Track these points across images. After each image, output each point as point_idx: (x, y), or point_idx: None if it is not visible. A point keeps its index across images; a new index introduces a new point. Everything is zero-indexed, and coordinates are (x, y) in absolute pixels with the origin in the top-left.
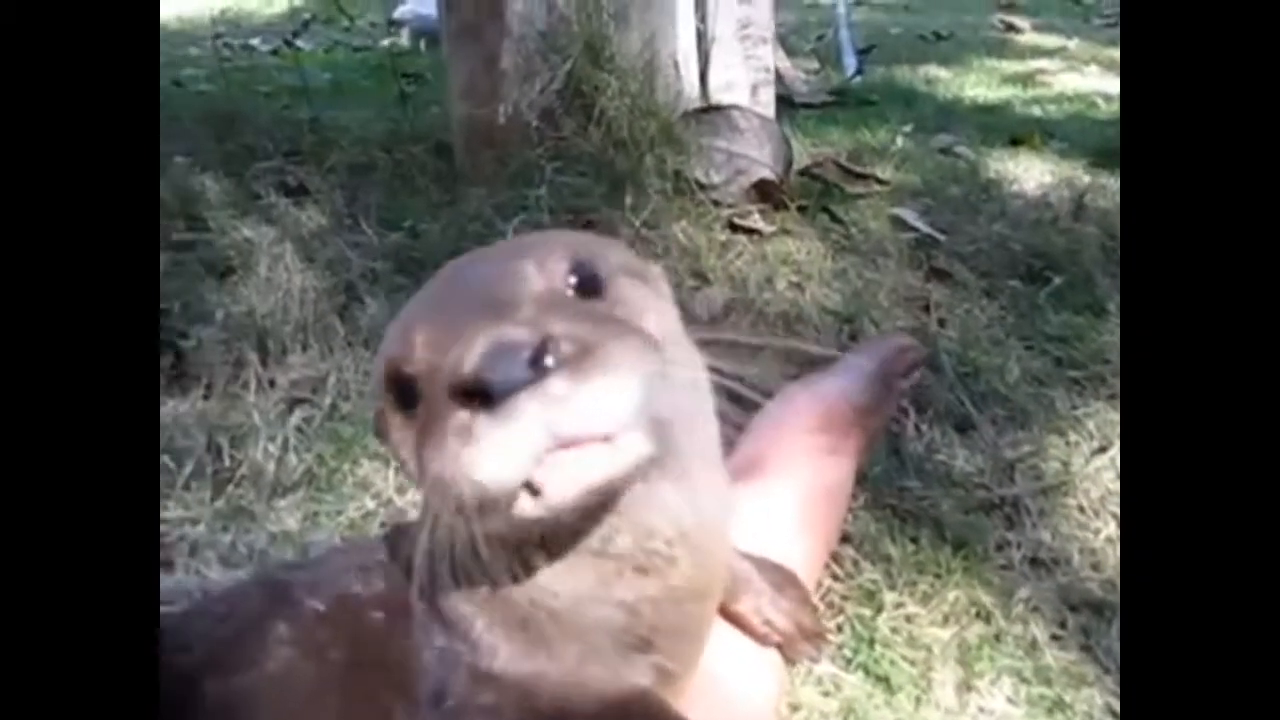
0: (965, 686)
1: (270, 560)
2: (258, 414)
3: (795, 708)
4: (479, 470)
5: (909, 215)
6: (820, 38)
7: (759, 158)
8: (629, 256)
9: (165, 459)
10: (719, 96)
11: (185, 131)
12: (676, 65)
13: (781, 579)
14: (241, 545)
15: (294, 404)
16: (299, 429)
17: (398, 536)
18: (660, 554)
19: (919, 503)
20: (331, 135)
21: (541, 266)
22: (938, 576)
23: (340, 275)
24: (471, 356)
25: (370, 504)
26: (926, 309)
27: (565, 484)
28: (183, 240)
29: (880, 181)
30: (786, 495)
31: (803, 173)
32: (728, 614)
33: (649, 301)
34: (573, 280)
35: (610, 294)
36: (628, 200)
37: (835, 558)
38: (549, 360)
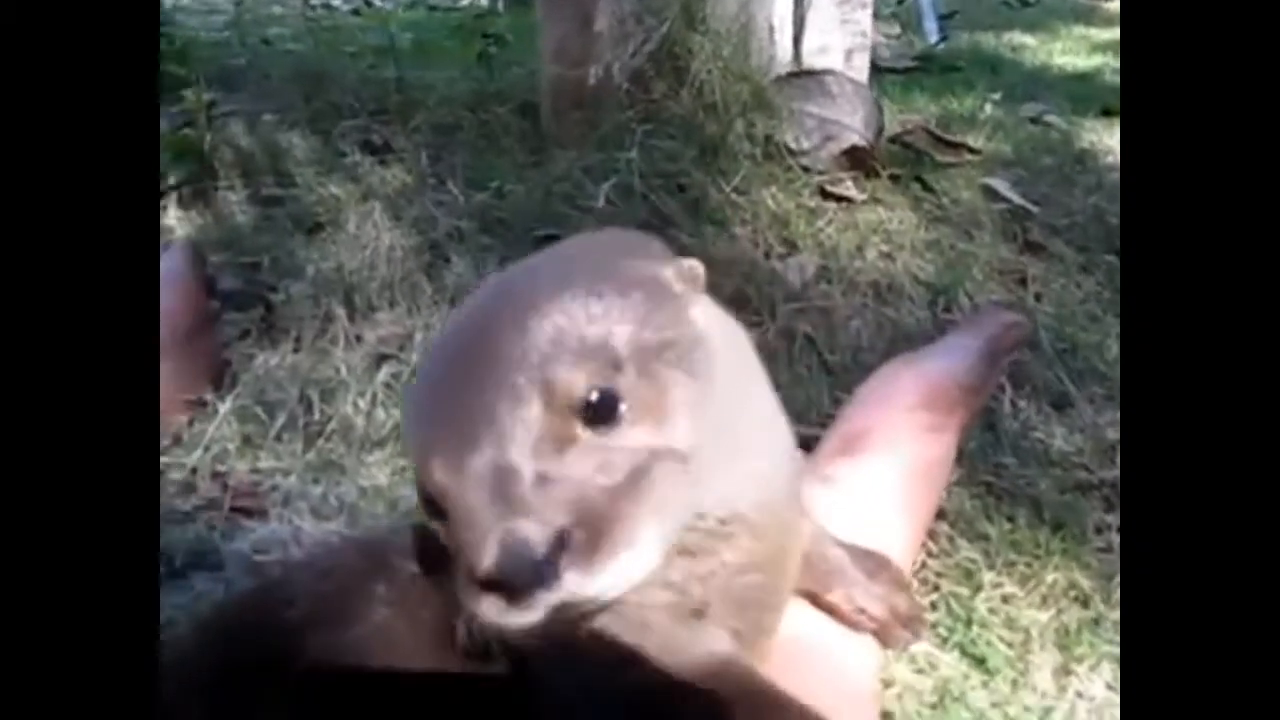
0: (1063, 671)
1: (360, 514)
2: (346, 369)
3: (888, 684)
4: (501, 620)
5: (1002, 186)
6: (901, 1)
7: (851, 124)
8: (656, 301)
9: (258, 410)
10: (812, 61)
11: (274, 89)
12: (771, 29)
13: (875, 565)
14: (332, 497)
15: (381, 360)
16: (386, 385)
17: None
18: (715, 533)
19: (1016, 481)
20: (416, 95)
21: (550, 395)
22: (1036, 557)
23: (426, 234)
24: (488, 556)
25: None
26: (1023, 282)
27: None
28: (271, 196)
29: (972, 150)
30: (889, 471)
31: (893, 140)
32: (821, 604)
33: (669, 381)
34: (585, 410)
35: (627, 412)
36: (718, 165)
37: (931, 534)
38: (563, 561)
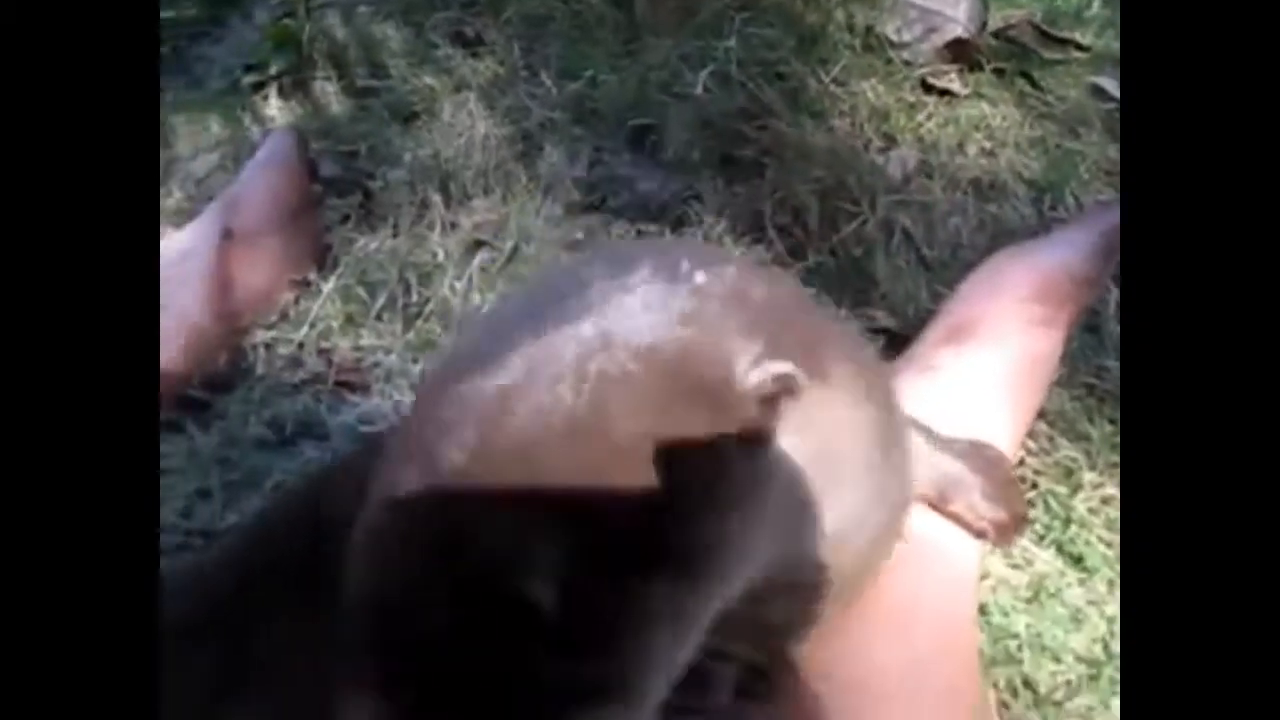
0: None
1: None
2: (443, 253)
3: (984, 577)
4: None
5: (1110, 85)
6: None
7: (953, 15)
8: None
9: (360, 291)
10: None
11: None
12: None
13: (987, 464)
14: None
15: (477, 245)
16: (482, 269)
17: None
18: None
19: (1119, 383)
20: None
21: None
22: None
23: (519, 124)
24: None
25: None
26: None
27: None
28: (367, 86)
29: (1080, 47)
30: (996, 363)
31: (996, 35)
32: (945, 514)
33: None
34: None
35: None
36: (818, 55)
37: (1031, 433)
38: None
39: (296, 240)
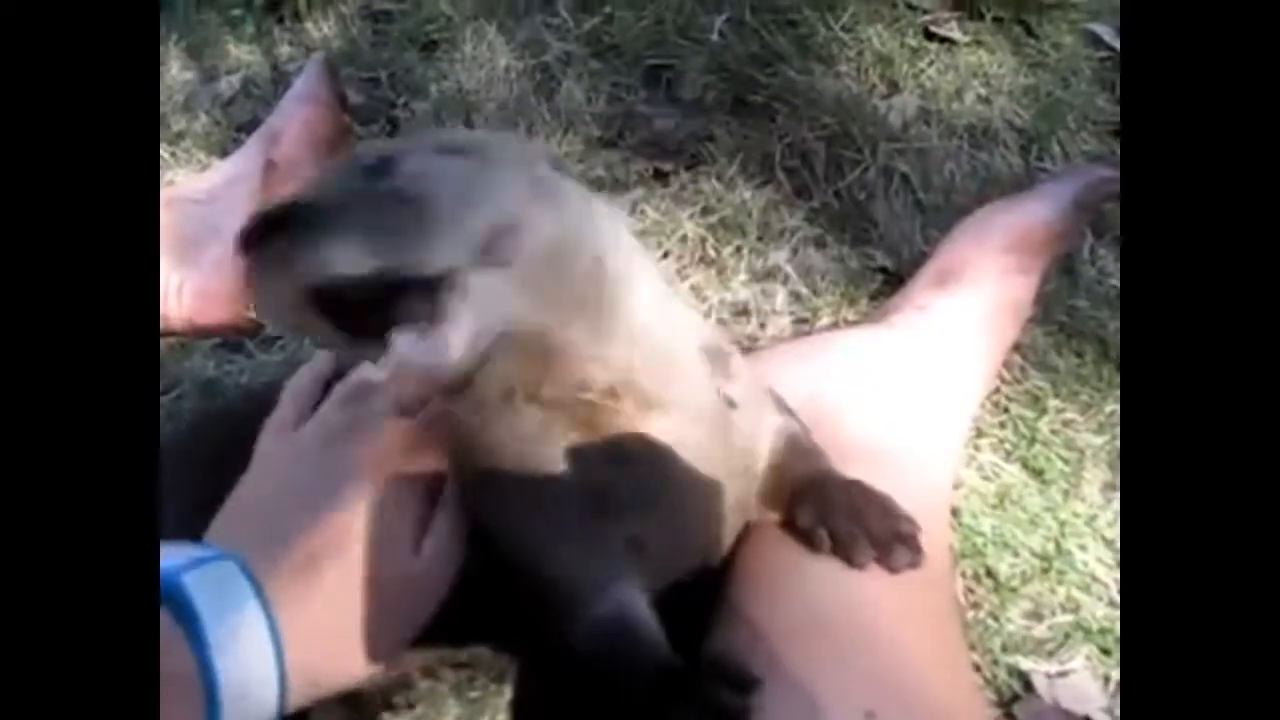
0: (1110, 487)
1: None
2: None
3: (957, 486)
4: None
5: (1105, 32)
6: None
7: None
8: None
9: None
10: None
11: None
12: None
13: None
14: None
15: None
16: None
17: None
18: (604, 405)
19: (1087, 322)
20: None
21: None
22: (1097, 390)
23: (538, 57)
24: None
25: None
26: (1116, 134)
27: None
28: (382, 10)
29: None
30: (977, 305)
31: None
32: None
33: None
34: None
35: None
36: (827, 2)
37: (1006, 364)
38: None
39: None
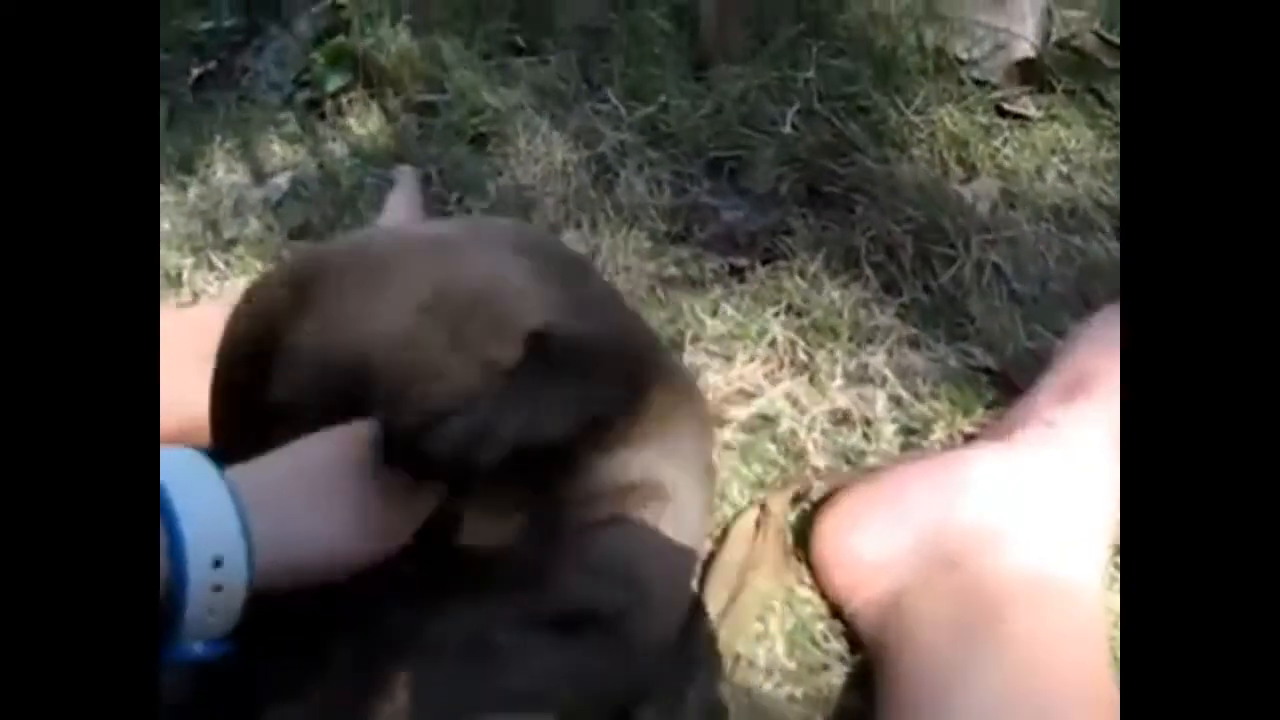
0: None
1: None
2: None
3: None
4: None
5: None
6: None
7: (1020, 32)
8: None
9: None
10: None
11: None
12: None
13: None
14: None
15: None
16: None
17: None
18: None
19: None
20: None
21: None
22: None
23: (593, 148)
24: None
25: None
26: None
27: None
28: (425, 102)
29: None
30: (1105, 420)
31: (1061, 45)
32: None
33: None
34: None
35: None
36: (893, 82)
37: None
38: None
39: None
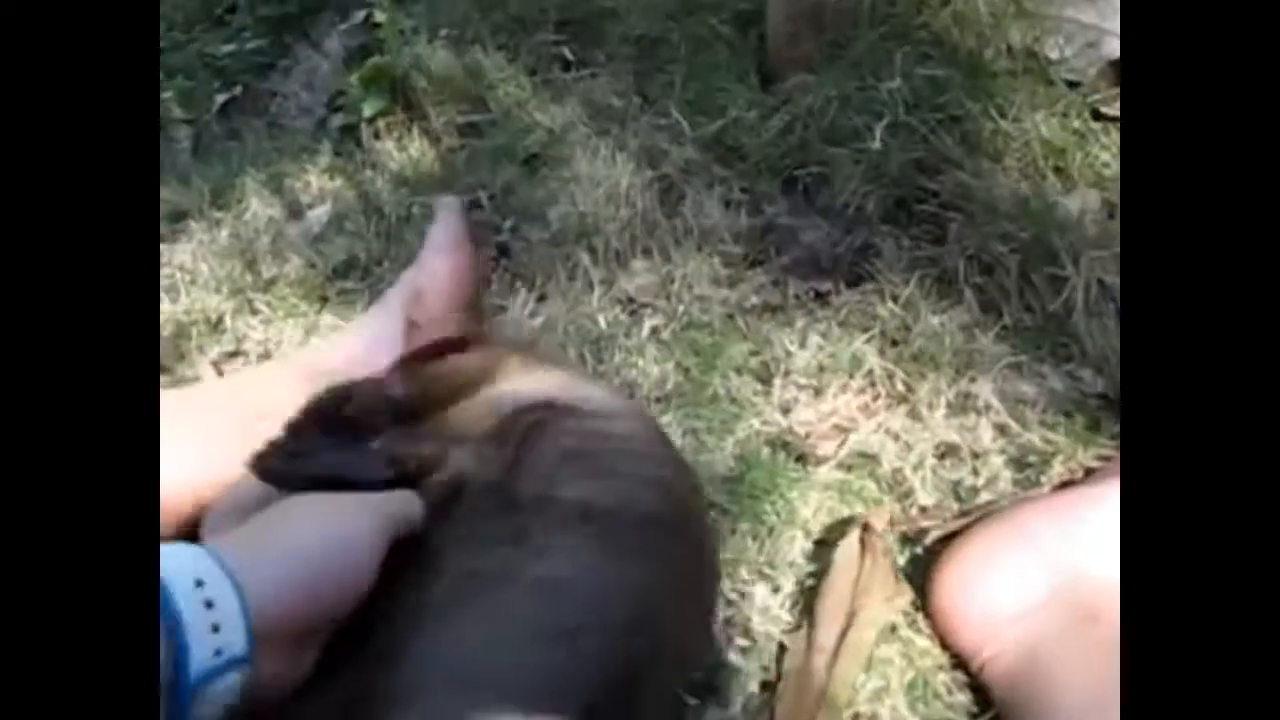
0: None
1: None
2: (604, 320)
3: None
4: None
5: None
6: None
7: (1111, 27)
8: None
9: None
10: None
11: (449, 2)
12: None
13: None
14: None
15: (632, 307)
16: (653, 337)
17: None
18: None
19: None
20: (609, 3)
21: None
22: None
23: (657, 167)
24: None
25: (755, 423)
26: None
27: None
28: (469, 123)
29: None
30: None
31: None
32: None
33: None
34: None
35: None
36: (983, 88)
37: None
38: None
39: (471, 325)
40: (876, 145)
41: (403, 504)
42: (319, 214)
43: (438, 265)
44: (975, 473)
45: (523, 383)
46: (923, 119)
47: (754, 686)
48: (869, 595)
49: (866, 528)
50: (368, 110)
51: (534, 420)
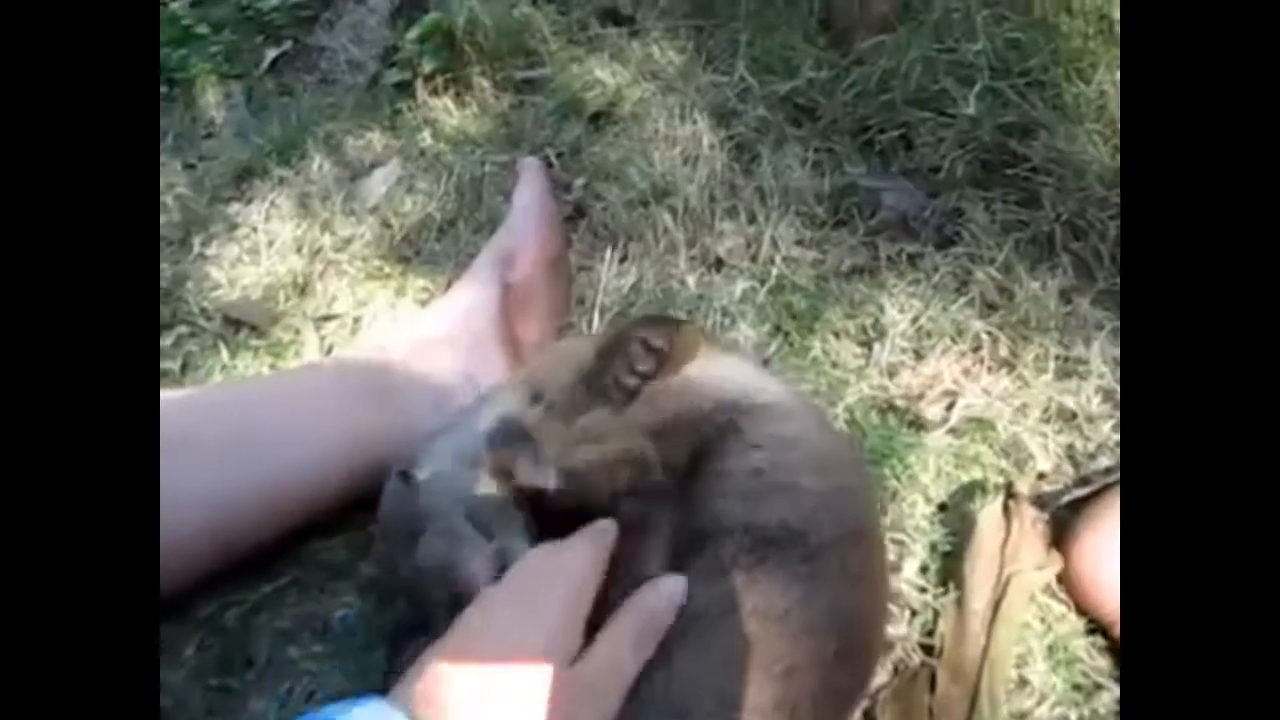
0: None
1: None
2: (693, 282)
3: None
4: None
5: None
6: None
7: None
8: None
9: None
10: None
11: None
12: None
13: None
14: None
15: (721, 269)
16: (745, 300)
17: None
18: None
19: None
20: None
21: None
22: None
23: (729, 126)
24: None
25: (864, 388)
26: None
27: None
28: (525, 80)
29: None
30: None
31: None
32: None
33: None
34: None
35: None
36: (1065, 52)
37: None
38: None
39: (559, 285)
40: (970, 110)
41: (598, 538)
42: (385, 173)
43: (527, 227)
44: (1086, 438)
45: (711, 370)
46: (1011, 83)
47: (909, 652)
48: (1018, 562)
49: (1011, 494)
50: (428, 66)
51: (723, 423)
